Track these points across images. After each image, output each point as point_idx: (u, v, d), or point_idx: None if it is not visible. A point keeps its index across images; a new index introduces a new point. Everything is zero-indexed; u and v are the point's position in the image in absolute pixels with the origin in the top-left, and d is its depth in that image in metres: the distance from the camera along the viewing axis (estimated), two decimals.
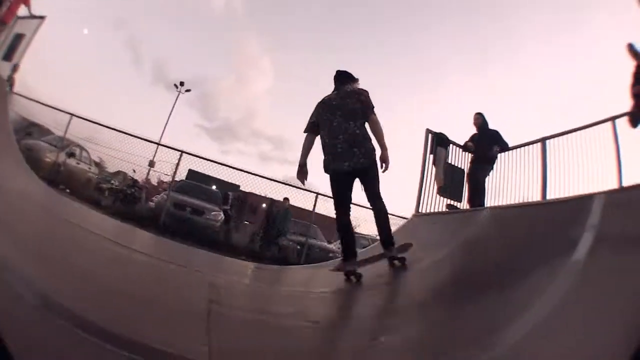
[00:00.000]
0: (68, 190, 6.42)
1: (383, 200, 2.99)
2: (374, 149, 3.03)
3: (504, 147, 5.26)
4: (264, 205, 8.89)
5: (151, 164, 7.97)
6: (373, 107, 3.09)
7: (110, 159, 8.48)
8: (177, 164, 7.43)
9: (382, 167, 3.00)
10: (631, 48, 4.98)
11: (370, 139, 3.04)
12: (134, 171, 8.18)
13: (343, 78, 3.20)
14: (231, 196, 8.18)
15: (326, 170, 3.08)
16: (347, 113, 3.01)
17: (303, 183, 3.32)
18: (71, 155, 7.55)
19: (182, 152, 7.43)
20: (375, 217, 3.02)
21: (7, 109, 6.21)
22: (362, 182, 3.02)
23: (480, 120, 5.51)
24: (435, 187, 5.52)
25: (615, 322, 1.24)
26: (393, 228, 3.16)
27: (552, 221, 2.54)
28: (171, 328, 1.41)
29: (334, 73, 3.27)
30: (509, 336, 1.36)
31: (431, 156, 5.53)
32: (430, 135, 5.55)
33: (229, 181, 8.46)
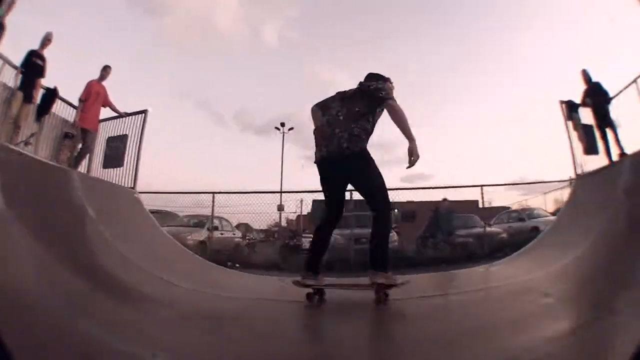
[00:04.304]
0: (237, 265, 6.38)
1: None
2: None
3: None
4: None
5: (280, 208, 8.48)
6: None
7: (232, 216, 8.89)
8: None
9: None
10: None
11: None
12: (287, 222, 8.51)
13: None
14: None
15: None
16: None
17: None
18: (215, 228, 7.74)
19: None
20: None
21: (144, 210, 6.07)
22: None
23: (586, 76, 6.13)
24: (582, 149, 6.08)
25: None
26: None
27: None
28: None
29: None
30: None
31: (569, 122, 6.12)
32: (564, 105, 6.15)
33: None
